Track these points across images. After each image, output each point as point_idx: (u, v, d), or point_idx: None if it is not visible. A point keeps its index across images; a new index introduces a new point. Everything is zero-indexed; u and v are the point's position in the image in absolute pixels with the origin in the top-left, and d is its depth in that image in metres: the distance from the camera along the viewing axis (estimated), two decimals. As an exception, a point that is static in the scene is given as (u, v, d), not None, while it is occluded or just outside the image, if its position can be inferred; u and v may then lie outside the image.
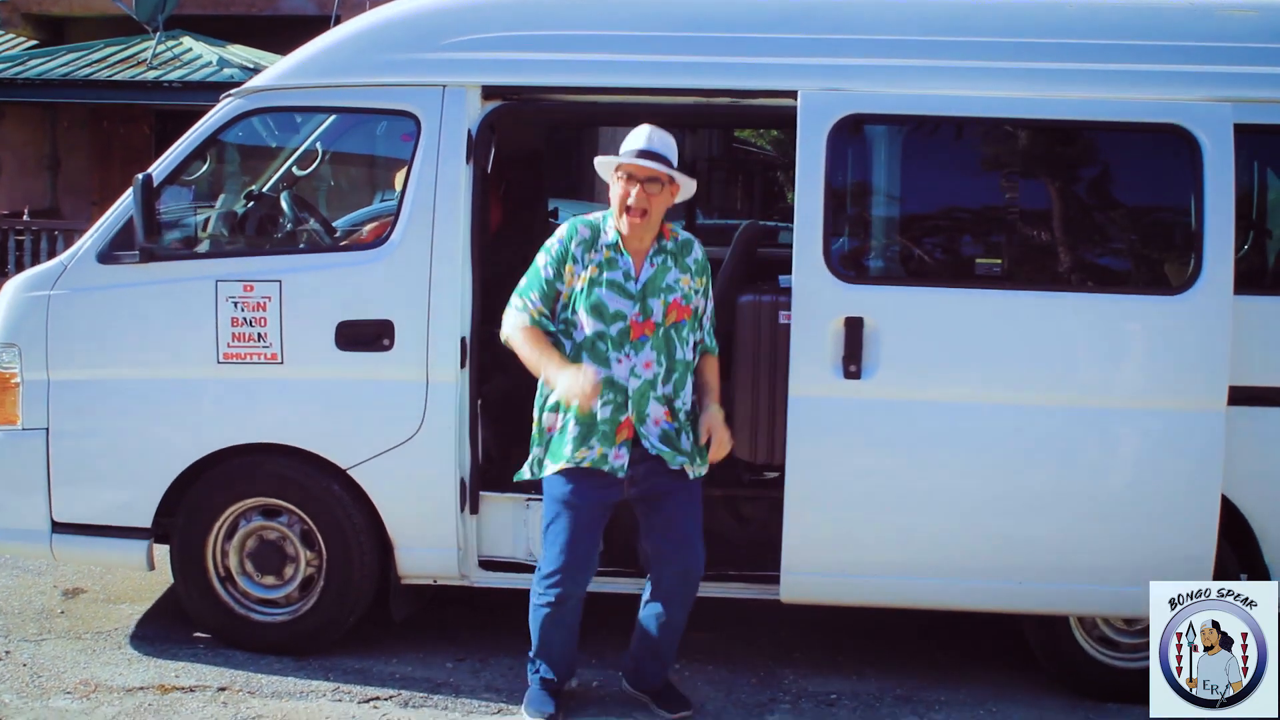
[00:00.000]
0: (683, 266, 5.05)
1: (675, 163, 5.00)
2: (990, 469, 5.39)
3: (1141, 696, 5.54)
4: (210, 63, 18.47)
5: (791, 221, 5.49)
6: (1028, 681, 5.83)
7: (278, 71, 5.94)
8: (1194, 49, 5.43)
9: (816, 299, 5.37)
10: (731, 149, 28.46)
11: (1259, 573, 5.41)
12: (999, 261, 5.60)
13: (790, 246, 5.46)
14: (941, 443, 5.40)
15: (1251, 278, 5.44)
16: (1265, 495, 5.42)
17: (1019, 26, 5.54)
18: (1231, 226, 5.29)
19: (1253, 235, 5.78)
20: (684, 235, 5.15)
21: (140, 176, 5.59)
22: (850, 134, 5.47)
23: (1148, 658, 5.55)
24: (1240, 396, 5.30)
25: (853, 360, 5.34)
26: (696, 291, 5.08)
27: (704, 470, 5.14)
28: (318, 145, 6.70)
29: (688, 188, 5.10)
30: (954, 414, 5.38)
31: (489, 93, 5.64)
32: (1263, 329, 5.33)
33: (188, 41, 19.33)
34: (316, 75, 5.80)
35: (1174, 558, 5.30)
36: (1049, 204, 5.72)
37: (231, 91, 5.95)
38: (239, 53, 19.40)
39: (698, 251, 5.12)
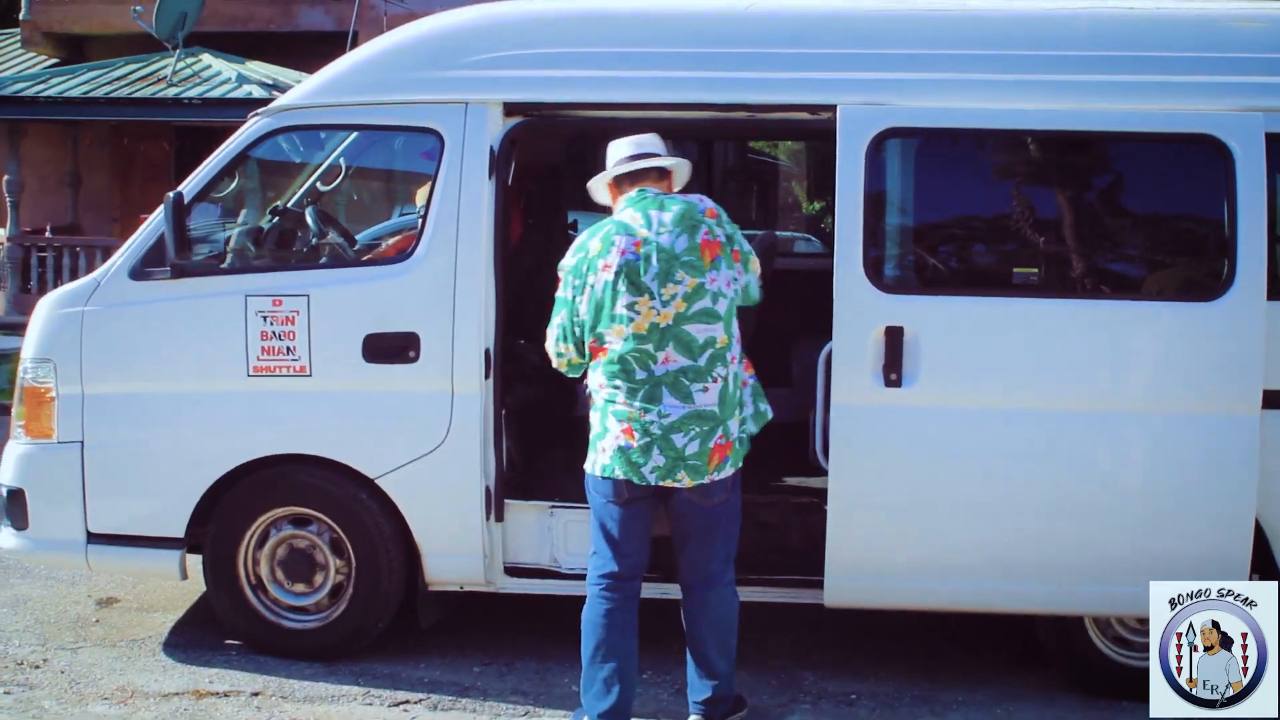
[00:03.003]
0: None
1: (660, 151, 5.14)
2: (1030, 474, 5.51)
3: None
4: (229, 79, 18.68)
5: (807, 232, 5.59)
6: (1041, 681, 5.93)
7: (304, 91, 6.09)
8: (1224, 60, 5.53)
9: (857, 308, 5.49)
10: (746, 159, 28.57)
11: (1270, 574, 5.51)
12: (1035, 270, 5.74)
13: (808, 255, 5.58)
14: (981, 448, 5.51)
15: None
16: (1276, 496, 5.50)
17: (1056, 40, 5.65)
18: (1264, 234, 5.39)
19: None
20: None
21: (171, 195, 5.74)
22: (888, 147, 5.59)
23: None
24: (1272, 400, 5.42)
25: (893, 369, 5.45)
26: None
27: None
28: (340, 161, 6.85)
29: (682, 171, 5.21)
30: (993, 420, 5.49)
31: (510, 109, 5.76)
32: None
33: (207, 58, 19.54)
34: (342, 94, 5.94)
35: (1213, 558, 5.40)
36: (1084, 214, 5.83)
37: (259, 110, 6.10)
38: (258, 69, 19.60)
39: None
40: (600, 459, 4.96)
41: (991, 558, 5.56)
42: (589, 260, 4.93)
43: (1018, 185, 5.86)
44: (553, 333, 5.09)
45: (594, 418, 5.02)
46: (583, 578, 5.58)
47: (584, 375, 5.13)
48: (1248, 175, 5.40)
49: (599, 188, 5.24)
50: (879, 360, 5.47)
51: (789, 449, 6.20)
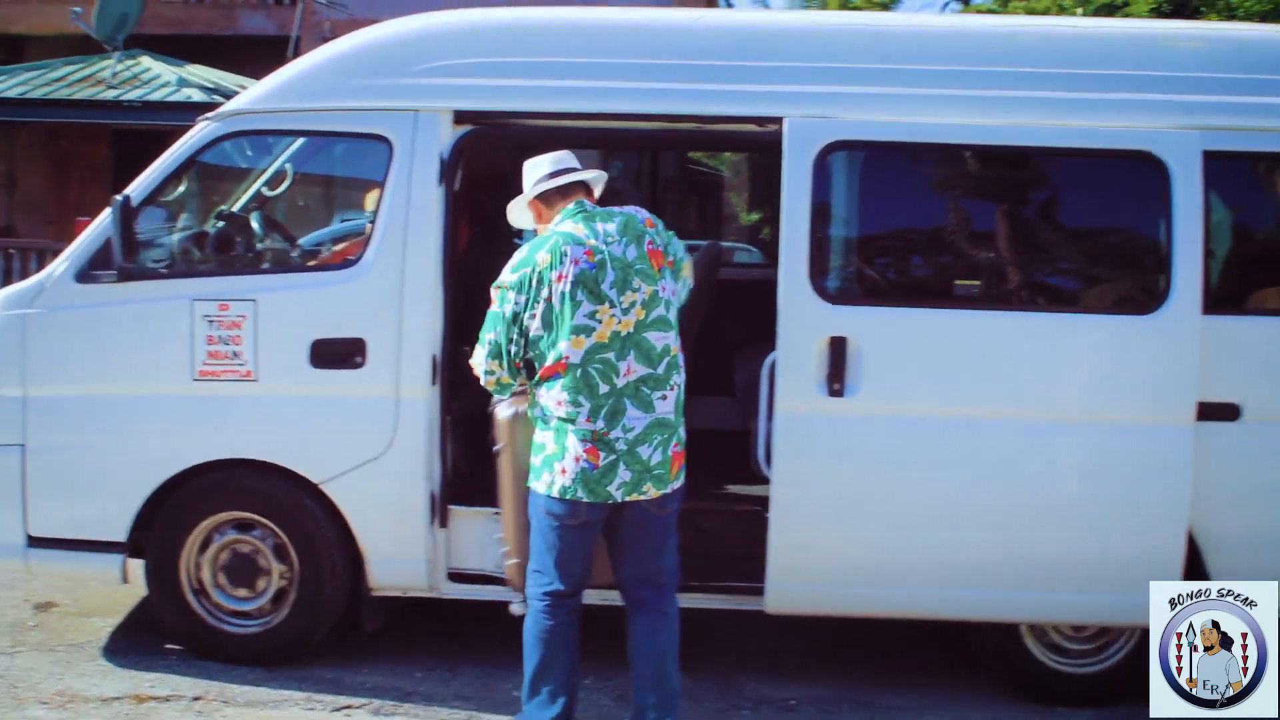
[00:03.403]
0: None
1: (577, 166, 5.10)
2: (970, 483, 5.60)
3: (1089, 700, 5.80)
4: (169, 82, 18.52)
5: (745, 242, 5.67)
6: (979, 687, 6.03)
7: (253, 96, 6.10)
8: (1164, 78, 5.65)
9: (801, 319, 5.56)
10: (685, 169, 28.72)
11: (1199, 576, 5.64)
12: (977, 283, 5.84)
13: (748, 266, 5.64)
14: (922, 457, 5.60)
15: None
16: (1212, 508, 5.60)
17: (1000, 56, 5.76)
18: (1200, 249, 5.51)
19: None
20: None
21: (119, 198, 5.72)
22: (834, 160, 5.67)
23: (1096, 663, 5.84)
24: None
25: (836, 378, 5.53)
26: None
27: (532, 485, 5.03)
28: (287, 167, 6.85)
29: (600, 185, 5.20)
30: (935, 430, 5.57)
31: (460, 117, 5.79)
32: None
33: (147, 61, 19.37)
34: (291, 99, 5.95)
35: (1146, 566, 5.48)
36: (1025, 227, 5.97)
37: (208, 115, 6.10)
38: (198, 72, 19.46)
39: None
40: (559, 480, 4.83)
41: (932, 565, 5.64)
42: (538, 273, 4.83)
43: (961, 199, 5.99)
44: (482, 350, 4.97)
45: (545, 436, 4.90)
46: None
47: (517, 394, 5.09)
48: (1184, 192, 5.52)
49: (520, 208, 5.21)
50: (823, 370, 5.54)
51: (731, 457, 6.27)
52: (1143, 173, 5.60)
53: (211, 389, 5.81)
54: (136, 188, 5.90)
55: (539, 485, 4.91)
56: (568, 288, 4.79)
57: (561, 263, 4.82)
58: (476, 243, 7.32)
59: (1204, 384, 5.52)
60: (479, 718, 5.59)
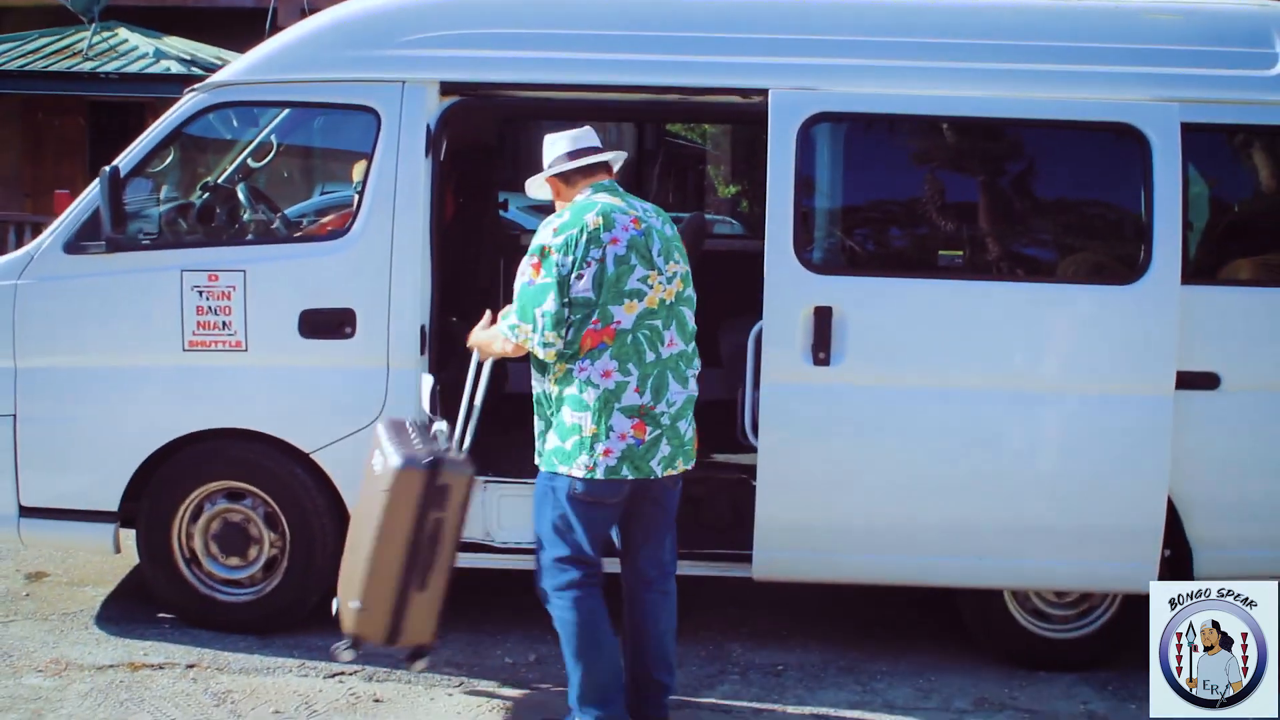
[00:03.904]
0: None
1: (599, 144, 5.06)
2: (953, 451, 5.67)
3: (1070, 665, 5.90)
4: (147, 54, 18.45)
5: (725, 214, 5.71)
6: (964, 652, 6.12)
7: (240, 67, 6.11)
8: (1143, 51, 5.73)
9: (787, 289, 5.61)
10: (664, 142, 28.71)
11: (1180, 548, 5.75)
12: (960, 253, 5.91)
13: (733, 237, 5.69)
14: (906, 426, 5.67)
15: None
16: (1191, 475, 5.71)
17: (983, 28, 5.81)
18: (1179, 220, 5.59)
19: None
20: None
21: (108, 168, 5.74)
22: (818, 131, 5.73)
23: (1077, 629, 5.95)
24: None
25: (821, 348, 5.59)
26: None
27: (545, 464, 4.91)
28: (272, 138, 6.87)
29: (619, 160, 5.17)
30: (918, 398, 5.65)
31: (447, 88, 5.83)
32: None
33: (124, 33, 19.29)
34: (278, 71, 5.97)
35: (1127, 533, 5.63)
36: (1007, 198, 6.04)
37: (195, 86, 6.12)
38: (176, 44, 19.39)
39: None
40: (602, 461, 4.73)
41: (917, 533, 5.72)
42: (590, 233, 4.71)
43: (944, 170, 6.04)
44: (529, 325, 4.75)
45: (579, 417, 4.75)
46: (515, 552, 5.74)
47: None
48: (1164, 163, 5.59)
49: (540, 183, 5.11)
50: (808, 339, 5.60)
51: (718, 427, 6.33)
52: (1123, 145, 5.67)
53: (201, 359, 5.84)
54: (125, 158, 5.91)
55: (573, 469, 4.77)
56: (622, 250, 4.74)
57: (615, 226, 4.76)
58: (462, 214, 7.37)
59: (1183, 353, 5.60)
60: (471, 683, 5.65)
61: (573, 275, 4.71)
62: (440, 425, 5.19)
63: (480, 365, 5.26)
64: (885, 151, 6.03)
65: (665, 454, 4.83)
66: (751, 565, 5.80)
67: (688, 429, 4.93)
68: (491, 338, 5.06)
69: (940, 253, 5.95)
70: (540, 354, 4.79)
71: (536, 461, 5.00)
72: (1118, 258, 5.88)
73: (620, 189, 5.01)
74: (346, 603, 5.14)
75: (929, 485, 5.68)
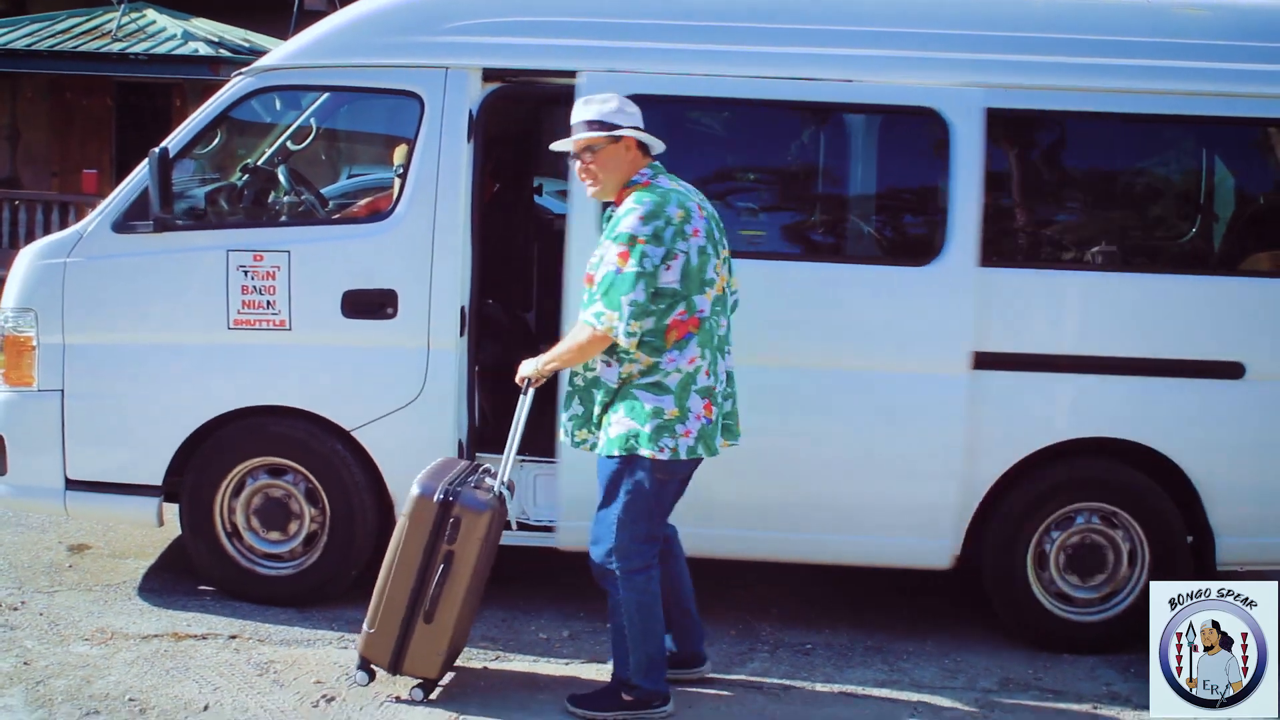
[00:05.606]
0: (607, 232, 4.98)
1: (601, 118, 4.94)
2: (766, 428, 5.67)
3: (1093, 648, 5.99)
4: (175, 35, 18.60)
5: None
6: (989, 635, 6.22)
7: (287, 51, 6.23)
8: (947, 36, 5.88)
9: None
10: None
11: (1203, 532, 5.86)
12: (763, 233, 6.13)
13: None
14: None
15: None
16: (1209, 457, 5.83)
17: (789, 13, 5.94)
18: (978, 203, 5.77)
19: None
20: (632, 196, 4.92)
21: (157, 150, 5.85)
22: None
23: (1100, 612, 6.03)
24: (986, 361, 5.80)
25: None
26: (600, 259, 4.94)
27: (616, 448, 4.93)
28: (312, 122, 7.01)
29: (628, 131, 4.99)
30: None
31: (489, 75, 5.94)
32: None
33: (152, 14, 19.45)
34: (324, 56, 6.09)
35: (928, 509, 5.87)
36: (813, 179, 6.31)
37: (242, 70, 6.24)
38: (203, 26, 19.52)
39: (618, 213, 4.94)
40: (683, 442, 4.84)
41: (738, 508, 5.90)
42: (677, 226, 4.80)
43: (751, 152, 6.27)
44: (628, 310, 4.74)
45: (660, 401, 4.84)
46: (549, 529, 5.86)
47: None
48: (964, 147, 5.76)
49: (594, 138, 4.95)
50: None
51: None
52: (926, 129, 5.85)
53: (246, 337, 5.97)
54: (174, 139, 6.03)
55: (657, 453, 4.83)
56: (703, 240, 4.88)
57: (693, 217, 4.88)
58: (499, 198, 7.48)
59: (979, 335, 5.76)
60: (506, 657, 5.77)
61: (661, 267, 4.79)
62: (498, 481, 5.28)
63: (527, 397, 5.22)
64: (694, 134, 6.27)
65: (722, 431, 5.05)
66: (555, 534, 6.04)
67: (733, 406, 5.14)
68: (561, 351, 5.02)
69: (743, 233, 6.02)
70: (624, 342, 4.79)
71: (566, 441, 5.19)
72: (916, 239, 6.11)
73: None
74: (365, 624, 5.29)
75: (744, 462, 5.59)
